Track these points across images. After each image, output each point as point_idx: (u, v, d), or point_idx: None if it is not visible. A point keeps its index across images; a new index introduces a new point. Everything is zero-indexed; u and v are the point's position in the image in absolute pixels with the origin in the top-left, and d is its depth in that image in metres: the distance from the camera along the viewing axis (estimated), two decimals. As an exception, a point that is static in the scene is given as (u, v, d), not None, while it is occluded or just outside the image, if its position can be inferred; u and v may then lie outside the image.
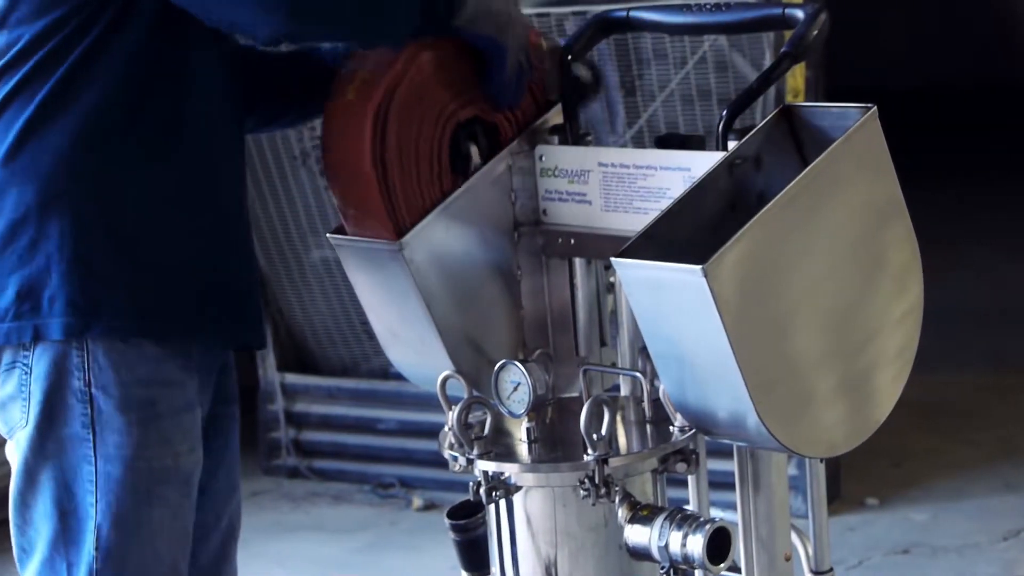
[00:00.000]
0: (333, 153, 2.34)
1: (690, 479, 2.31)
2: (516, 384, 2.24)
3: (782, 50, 2.24)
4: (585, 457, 2.17)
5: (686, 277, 2.01)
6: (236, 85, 2.41)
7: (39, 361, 2.28)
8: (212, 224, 2.35)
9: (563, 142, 2.42)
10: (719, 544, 2.14)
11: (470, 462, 2.22)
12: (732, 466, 2.34)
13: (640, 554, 2.20)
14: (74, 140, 2.25)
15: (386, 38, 2.29)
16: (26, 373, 2.29)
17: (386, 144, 2.28)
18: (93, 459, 2.28)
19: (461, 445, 2.23)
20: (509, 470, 2.22)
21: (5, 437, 2.38)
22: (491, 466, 2.22)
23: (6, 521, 2.36)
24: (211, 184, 2.35)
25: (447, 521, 2.37)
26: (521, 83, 2.36)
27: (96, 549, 2.28)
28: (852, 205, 2.15)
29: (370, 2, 2.24)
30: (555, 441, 2.30)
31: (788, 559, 2.37)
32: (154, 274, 2.29)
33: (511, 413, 2.26)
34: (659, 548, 2.16)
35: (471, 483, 2.23)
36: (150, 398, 2.29)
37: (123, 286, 2.27)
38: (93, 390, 2.27)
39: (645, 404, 2.31)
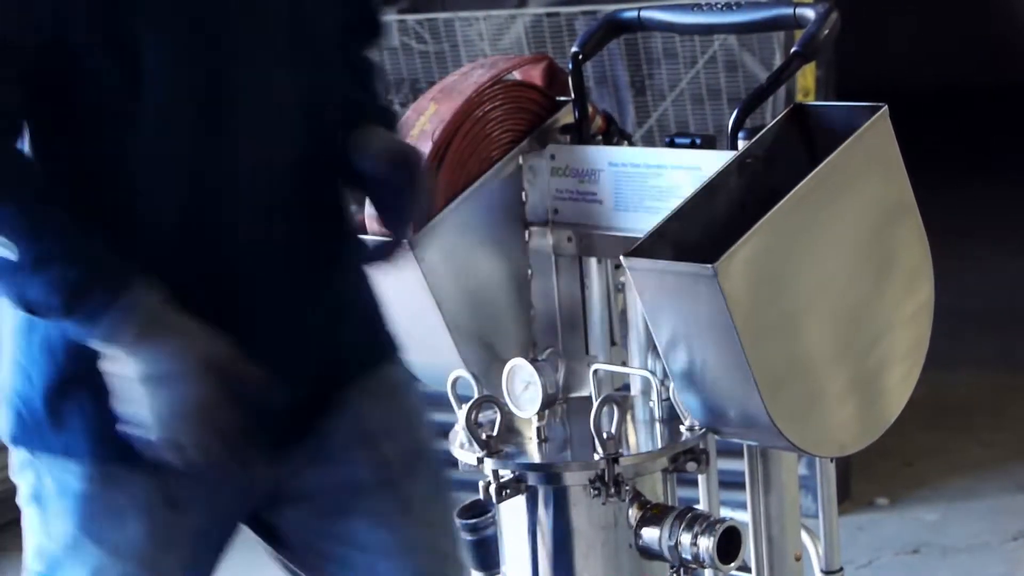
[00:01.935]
0: None
1: (700, 478, 2.31)
2: (526, 383, 2.24)
3: (793, 49, 2.24)
4: (595, 456, 2.17)
5: (697, 276, 2.01)
6: None
7: None
8: None
9: (574, 141, 2.42)
10: (729, 544, 2.14)
11: (480, 461, 2.22)
12: (742, 465, 2.34)
13: (650, 553, 2.19)
14: None
15: None
16: None
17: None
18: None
19: (471, 444, 2.23)
20: (519, 469, 2.22)
21: None
22: (501, 465, 2.22)
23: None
24: None
25: (457, 520, 2.37)
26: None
27: None
28: (863, 204, 2.15)
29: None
30: (565, 440, 2.30)
31: (798, 559, 2.37)
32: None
33: (521, 412, 2.26)
34: (669, 547, 2.16)
35: (481, 482, 2.24)
36: (87, 492, 2.03)
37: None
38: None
39: (655, 403, 2.31)
